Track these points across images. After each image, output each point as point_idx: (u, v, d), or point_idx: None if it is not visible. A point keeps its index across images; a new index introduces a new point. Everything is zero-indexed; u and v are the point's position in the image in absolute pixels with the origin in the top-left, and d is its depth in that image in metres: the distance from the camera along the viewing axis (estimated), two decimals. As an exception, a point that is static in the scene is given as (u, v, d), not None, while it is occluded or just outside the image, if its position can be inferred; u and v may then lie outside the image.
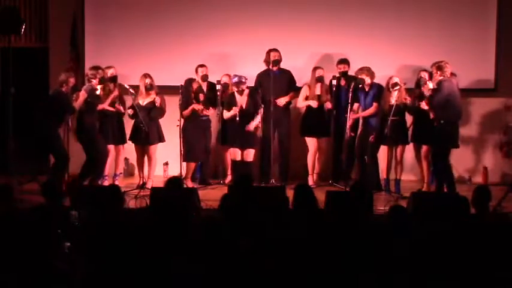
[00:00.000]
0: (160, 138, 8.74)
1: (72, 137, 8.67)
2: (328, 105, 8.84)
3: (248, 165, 8.54)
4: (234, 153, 8.66)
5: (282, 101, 8.95)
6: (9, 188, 5.87)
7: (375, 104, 8.48)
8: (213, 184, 8.99)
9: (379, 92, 8.50)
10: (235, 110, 8.56)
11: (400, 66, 9.19)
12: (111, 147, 8.71)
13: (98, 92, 8.43)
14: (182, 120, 8.62)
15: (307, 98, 8.91)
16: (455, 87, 8.06)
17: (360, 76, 8.56)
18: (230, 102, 8.66)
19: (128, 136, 8.83)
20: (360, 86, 8.55)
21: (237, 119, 8.52)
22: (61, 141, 8.34)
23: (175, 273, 4.43)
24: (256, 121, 8.63)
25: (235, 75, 8.67)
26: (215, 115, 9.10)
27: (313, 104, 8.84)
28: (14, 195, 5.86)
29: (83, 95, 8.25)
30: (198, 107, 8.69)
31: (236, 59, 9.47)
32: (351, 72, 8.83)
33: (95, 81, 8.41)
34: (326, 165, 9.16)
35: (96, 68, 8.55)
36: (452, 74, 8.19)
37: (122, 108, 8.72)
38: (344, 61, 8.93)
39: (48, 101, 8.43)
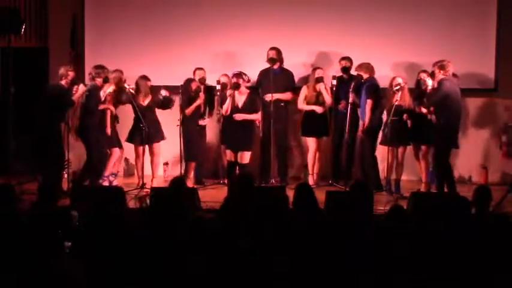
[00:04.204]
0: (161, 136, 8.74)
1: (72, 136, 8.65)
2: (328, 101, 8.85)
3: (244, 167, 8.53)
4: (230, 155, 8.67)
5: (269, 97, 8.83)
6: (11, 188, 5.86)
7: (368, 101, 8.48)
8: (212, 184, 9.00)
9: (372, 87, 8.51)
10: (229, 100, 8.49)
11: (400, 66, 9.19)
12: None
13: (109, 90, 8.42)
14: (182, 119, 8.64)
15: (305, 99, 8.92)
16: (456, 87, 8.07)
17: (358, 72, 8.59)
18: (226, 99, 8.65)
19: (124, 138, 8.81)
20: (362, 81, 8.58)
21: (230, 98, 8.46)
22: (61, 140, 8.32)
23: (175, 273, 4.44)
24: (256, 116, 8.59)
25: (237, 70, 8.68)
26: (214, 116, 9.11)
27: (318, 109, 8.86)
28: (15, 195, 5.84)
29: (82, 88, 8.22)
30: (199, 102, 8.70)
31: (236, 59, 9.47)
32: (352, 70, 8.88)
33: (99, 80, 8.41)
34: (326, 165, 9.17)
35: (101, 67, 8.50)
36: (454, 75, 8.21)
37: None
38: (346, 58, 8.96)
39: (47, 95, 8.42)
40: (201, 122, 8.89)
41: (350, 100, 8.54)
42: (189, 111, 8.70)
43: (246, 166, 8.54)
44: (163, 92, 8.60)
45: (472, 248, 4.77)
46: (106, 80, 8.44)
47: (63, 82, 8.23)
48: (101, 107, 8.44)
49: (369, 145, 8.57)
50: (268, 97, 8.81)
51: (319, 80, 8.86)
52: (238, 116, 8.38)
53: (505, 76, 9.36)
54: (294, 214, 5.60)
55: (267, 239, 4.86)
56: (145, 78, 8.68)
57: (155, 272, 4.49)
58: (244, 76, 8.65)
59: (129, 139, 8.72)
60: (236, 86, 8.57)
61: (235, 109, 8.58)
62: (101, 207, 5.38)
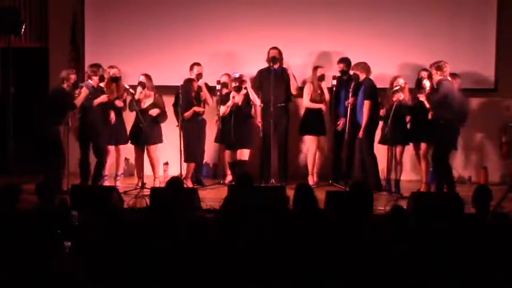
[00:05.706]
0: (159, 139, 8.71)
1: (72, 136, 8.65)
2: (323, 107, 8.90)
3: (244, 163, 8.54)
4: (229, 155, 8.67)
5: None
6: (18, 189, 5.84)
7: (366, 103, 8.48)
8: (212, 184, 9.00)
9: (369, 88, 8.51)
10: (231, 101, 8.55)
11: (400, 66, 9.18)
12: (111, 147, 8.70)
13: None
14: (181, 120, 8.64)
15: (310, 97, 8.93)
16: (455, 88, 8.06)
17: (355, 72, 8.59)
18: (226, 100, 8.67)
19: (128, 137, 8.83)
20: (359, 81, 8.57)
21: (233, 100, 8.55)
22: (61, 140, 8.32)
23: (173, 272, 4.44)
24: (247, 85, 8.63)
25: (236, 73, 8.70)
26: (214, 116, 9.11)
27: (324, 107, 8.88)
28: (20, 196, 5.83)
29: (84, 91, 8.24)
30: (199, 109, 8.71)
31: (236, 58, 9.47)
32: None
33: (95, 79, 8.41)
34: (326, 165, 9.17)
35: (96, 65, 8.52)
36: (454, 75, 8.21)
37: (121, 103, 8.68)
38: (343, 60, 8.94)
39: (48, 98, 8.42)
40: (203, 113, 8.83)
41: (350, 100, 8.54)
42: (187, 114, 8.67)
43: (246, 162, 8.56)
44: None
45: (472, 248, 4.77)
46: (102, 79, 8.43)
47: (64, 85, 8.21)
48: (96, 101, 8.40)
49: (367, 145, 8.57)
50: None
51: (323, 78, 8.87)
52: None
53: (505, 76, 9.36)
54: (294, 214, 5.60)
55: (267, 239, 4.86)
56: (149, 77, 8.69)
57: (155, 272, 4.49)
58: (244, 79, 8.67)
59: (130, 138, 8.74)
60: (239, 89, 8.60)
61: (235, 107, 8.61)
62: (98, 206, 5.39)
